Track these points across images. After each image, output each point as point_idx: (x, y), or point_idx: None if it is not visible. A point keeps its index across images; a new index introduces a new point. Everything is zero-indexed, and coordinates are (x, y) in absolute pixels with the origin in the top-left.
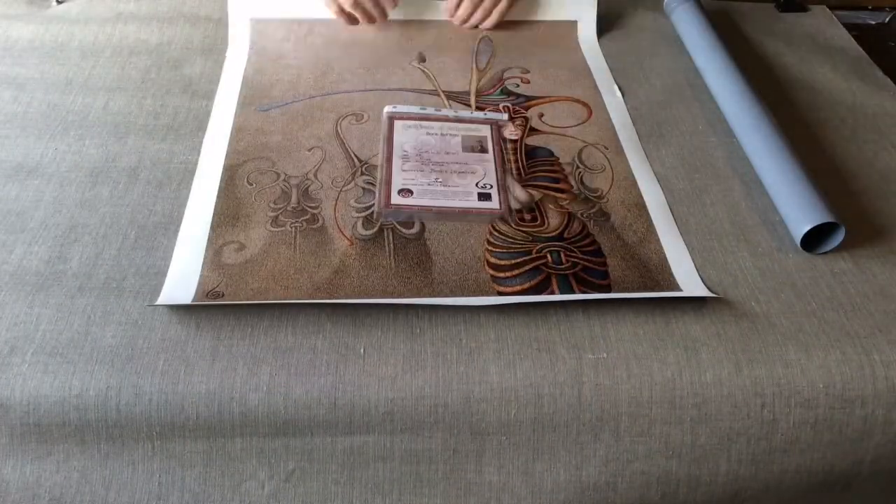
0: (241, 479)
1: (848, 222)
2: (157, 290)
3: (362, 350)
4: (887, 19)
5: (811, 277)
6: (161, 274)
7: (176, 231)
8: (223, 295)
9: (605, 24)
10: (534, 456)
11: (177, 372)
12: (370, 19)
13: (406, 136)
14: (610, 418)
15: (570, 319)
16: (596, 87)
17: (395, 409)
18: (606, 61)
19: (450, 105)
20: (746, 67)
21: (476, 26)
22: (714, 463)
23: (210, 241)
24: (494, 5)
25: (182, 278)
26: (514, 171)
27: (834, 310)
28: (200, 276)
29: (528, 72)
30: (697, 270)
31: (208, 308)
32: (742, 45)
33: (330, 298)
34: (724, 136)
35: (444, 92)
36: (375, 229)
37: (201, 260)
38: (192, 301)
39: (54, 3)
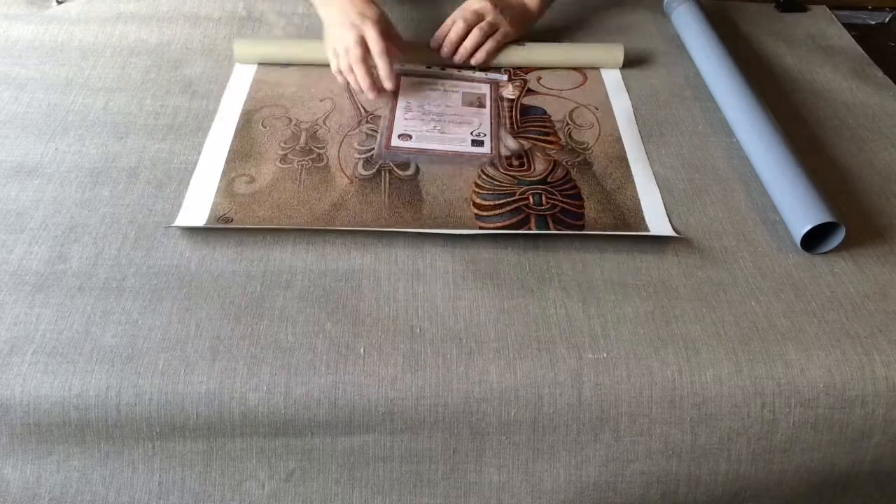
0: (241, 479)
1: (848, 222)
2: (157, 290)
3: (362, 350)
4: (887, 19)
5: (811, 277)
6: (161, 273)
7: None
8: (232, 220)
9: (605, 25)
10: (534, 456)
11: (177, 372)
12: (364, 86)
13: (411, 91)
14: (610, 418)
15: (570, 319)
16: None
17: (395, 409)
18: None
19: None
20: (746, 67)
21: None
22: (714, 463)
23: (224, 173)
24: (484, 38)
25: (196, 204)
26: (508, 125)
27: (834, 310)
28: (213, 202)
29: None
30: (668, 215)
31: (209, 305)
32: (742, 45)
33: (327, 226)
34: (724, 136)
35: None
36: (374, 170)
37: (215, 189)
38: (205, 224)
39: (54, 3)
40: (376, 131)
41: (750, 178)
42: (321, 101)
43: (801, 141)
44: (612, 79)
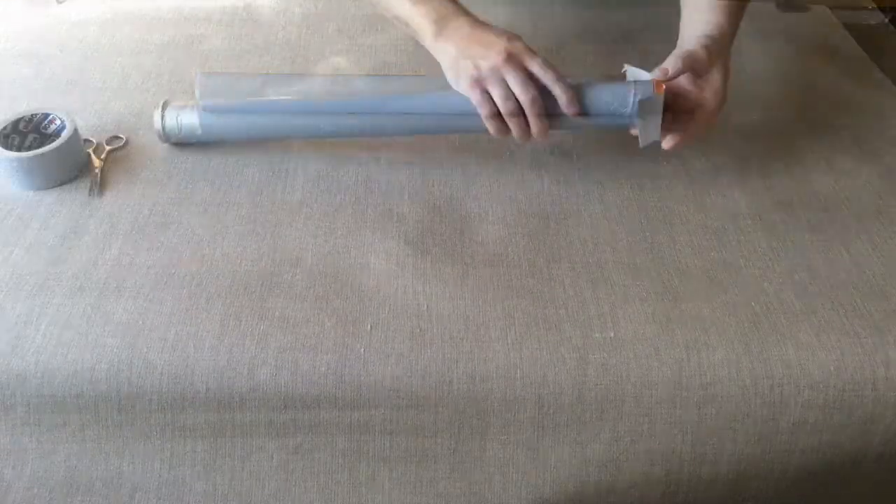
0: (250, 451)
1: (849, 222)
2: (168, 266)
3: (369, 326)
4: (887, 19)
5: (826, 259)
6: (172, 250)
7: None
8: None
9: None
10: (539, 434)
11: (186, 347)
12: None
13: None
14: (615, 398)
15: (578, 298)
16: None
17: (401, 385)
18: None
19: None
20: (747, 67)
21: None
22: (719, 443)
23: None
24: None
25: None
26: None
27: (847, 291)
28: None
29: None
30: None
31: (218, 281)
32: (742, 44)
33: None
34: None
35: None
36: None
37: None
38: None
39: (54, 3)
40: None
41: (749, 176)
42: None
43: (800, 140)
44: None
